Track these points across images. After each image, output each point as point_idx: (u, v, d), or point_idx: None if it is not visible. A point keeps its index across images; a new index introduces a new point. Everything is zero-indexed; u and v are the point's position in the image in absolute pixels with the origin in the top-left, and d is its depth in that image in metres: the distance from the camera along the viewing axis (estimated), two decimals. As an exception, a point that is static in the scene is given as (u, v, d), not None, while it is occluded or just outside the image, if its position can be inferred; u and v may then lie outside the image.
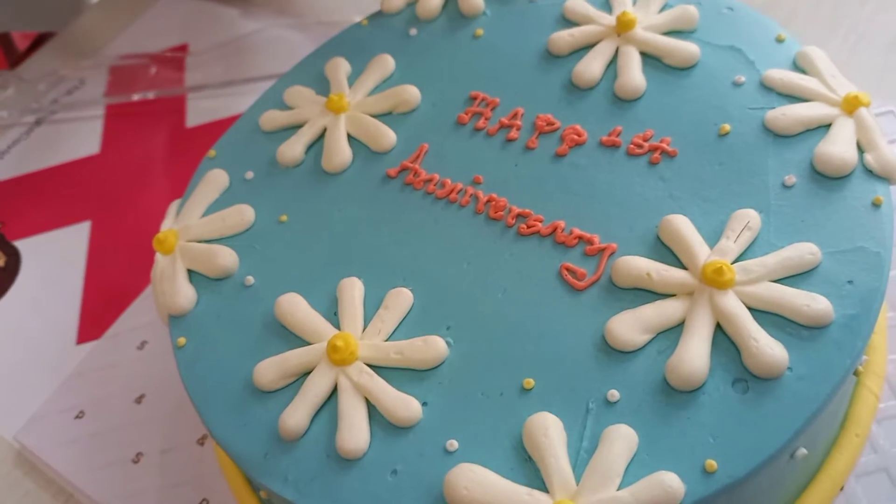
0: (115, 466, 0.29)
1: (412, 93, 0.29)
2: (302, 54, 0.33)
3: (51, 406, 0.32)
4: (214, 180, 0.29)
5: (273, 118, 0.30)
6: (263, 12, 0.47)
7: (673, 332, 0.22)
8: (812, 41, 0.34)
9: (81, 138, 0.43)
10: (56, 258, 0.37)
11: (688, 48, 0.27)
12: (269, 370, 0.23)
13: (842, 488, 0.24)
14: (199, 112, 0.42)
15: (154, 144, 0.41)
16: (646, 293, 0.23)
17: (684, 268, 0.23)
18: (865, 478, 0.24)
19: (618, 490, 0.19)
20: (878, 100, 0.33)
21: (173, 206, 0.29)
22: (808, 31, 0.38)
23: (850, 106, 0.25)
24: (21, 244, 0.39)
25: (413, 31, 0.32)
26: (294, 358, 0.23)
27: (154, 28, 0.47)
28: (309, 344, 0.24)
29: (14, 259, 0.38)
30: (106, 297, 0.35)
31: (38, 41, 0.75)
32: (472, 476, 0.20)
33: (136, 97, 0.43)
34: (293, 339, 0.24)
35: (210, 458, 0.29)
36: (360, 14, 0.34)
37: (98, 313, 0.35)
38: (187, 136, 0.41)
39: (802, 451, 0.21)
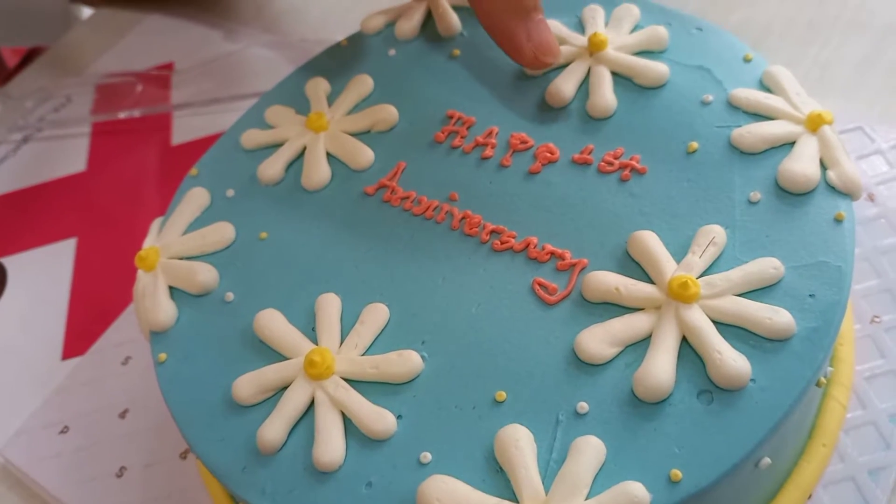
0: (98, 481, 0.30)
1: (390, 112, 0.30)
2: (286, 73, 0.34)
3: (35, 421, 0.32)
4: (196, 198, 0.29)
5: (254, 137, 0.31)
6: (248, 31, 0.47)
7: (640, 345, 0.22)
8: (785, 59, 0.35)
9: (68, 156, 0.43)
10: (42, 275, 0.38)
11: (657, 68, 0.28)
12: (248, 385, 0.24)
13: (809, 497, 0.25)
14: (184, 130, 0.43)
15: (140, 162, 0.42)
16: (615, 307, 0.23)
17: (652, 282, 0.23)
18: (833, 487, 0.25)
19: (585, 500, 0.20)
20: (848, 116, 0.33)
21: (156, 224, 0.29)
22: (781, 49, 0.39)
23: (814, 124, 0.26)
24: (7, 261, 0.39)
25: (392, 52, 0.32)
26: (272, 373, 0.24)
27: (140, 46, 0.48)
28: (287, 359, 0.24)
29: (0, 275, 0.39)
30: (91, 313, 0.36)
31: (27, 59, 0.76)
32: (444, 487, 0.20)
33: (122, 115, 0.44)
34: (271, 353, 0.25)
35: (192, 471, 0.29)
36: (342, 34, 0.34)
37: (83, 329, 0.35)
38: (173, 154, 0.42)
39: (767, 460, 0.21)
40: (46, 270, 0.38)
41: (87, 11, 0.53)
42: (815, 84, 0.37)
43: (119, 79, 0.46)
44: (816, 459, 0.25)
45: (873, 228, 0.30)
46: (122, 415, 0.31)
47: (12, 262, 0.39)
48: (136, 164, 0.42)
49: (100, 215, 0.40)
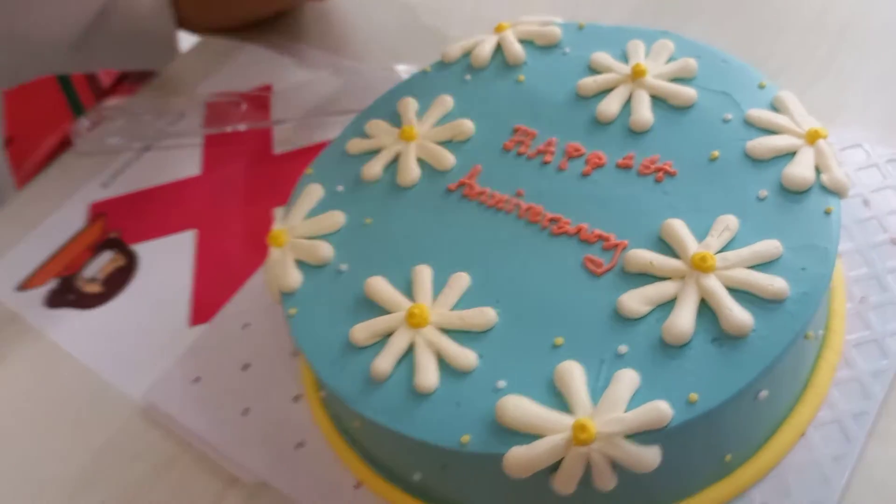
0: (227, 419, 0.37)
1: (467, 125, 0.37)
2: (368, 95, 0.41)
3: (171, 373, 0.39)
4: (313, 192, 0.36)
5: (357, 144, 0.38)
6: (335, 58, 0.55)
7: (668, 305, 0.29)
8: (803, 84, 0.41)
9: (184, 162, 0.51)
10: (169, 259, 0.45)
11: (687, 92, 0.35)
12: (362, 330, 0.31)
13: (803, 434, 0.31)
14: (282, 142, 0.50)
15: (246, 168, 0.49)
16: (649, 277, 0.30)
17: (678, 258, 0.30)
18: (822, 427, 0.31)
19: (623, 413, 0.26)
20: (852, 133, 0.40)
21: (279, 212, 0.36)
22: (800, 76, 0.45)
23: (812, 138, 0.32)
24: (138, 247, 0.47)
25: (468, 77, 0.40)
26: (380, 322, 0.31)
27: (242, 70, 0.56)
28: (391, 313, 0.31)
29: (132, 260, 0.46)
30: (212, 290, 0.43)
31: (120, 80, 0.85)
32: (516, 402, 0.27)
33: (229, 129, 0.52)
34: (378, 309, 0.31)
35: (302, 411, 0.36)
36: (421, 63, 0.42)
37: (206, 302, 0.42)
38: (273, 161, 0.49)
39: (764, 392, 0.28)
40: (172, 256, 0.45)
41: (192, 39, 0.61)
42: (828, 106, 0.43)
43: (225, 98, 0.54)
44: (810, 405, 0.31)
45: (866, 228, 0.36)
46: (244, 368, 0.38)
47: (142, 249, 0.46)
48: (242, 169, 0.49)
49: (214, 211, 0.47)
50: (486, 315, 0.30)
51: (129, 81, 0.83)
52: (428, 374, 0.29)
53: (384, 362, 0.29)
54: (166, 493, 0.36)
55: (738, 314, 0.27)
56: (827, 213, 0.30)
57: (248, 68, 0.56)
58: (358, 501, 0.33)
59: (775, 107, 0.34)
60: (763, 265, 0.29)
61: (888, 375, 0.32)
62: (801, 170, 0.31)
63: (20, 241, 0.49)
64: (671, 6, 0.51)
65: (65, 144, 0.62)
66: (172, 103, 0.55)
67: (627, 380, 0.27)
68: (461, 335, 0.30)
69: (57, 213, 0.50)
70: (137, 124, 0.54)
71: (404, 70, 0.50)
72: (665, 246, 0.30)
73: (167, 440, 0.38)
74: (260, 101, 0.53)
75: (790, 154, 0.32)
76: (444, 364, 0.29)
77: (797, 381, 0.31)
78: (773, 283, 0.28)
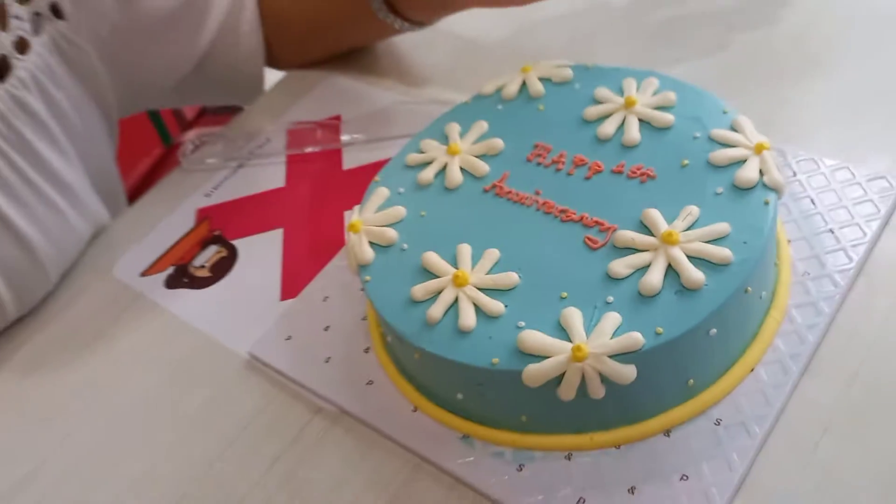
0: (314, 365, 0.48)
1: (499, 143, 0.48)
2: (420, 122, 0.53)
3: (268, 334, 0.51)
4: (381, 193, 0.48)
5: (414, 157, 0.49)
6: (393, 91, 0.67)
7: (644, 269, 0.39)
8: (767, 111, 0.52)
9: (271, 177, 0.63)
10: (262, 251, 0.57)
11: (666, 117, 0.46)
12: (420, 290, 0.42)
13: (752, 370, 0.41)
14: (351, 160, 0.62)
15: (322, 180, 0.61)
16: (631, 250, 0.40)
17: (653, 236, 0.40)
18: (767, 365, 0.41)
19: (609, 339, 0.37)
20: (807, 149, 0.50)
21: (355, 210, 0.48)
22: (767, 101, 0.55)
23: (759, 149, 0.43)
24: (237, 242, 0.59)
25: (499, 107, 0.51)
26: (434, 283, 0.42)
27: (318, 103, 0.68)
28: (440, 277, 0.42)
29: (233, 252, 0.58)
30: (297, 273, 0.54)
31: (202, 113, 0.98)
32: (531, 334, 0.38)
33: (307, 150, 0.64)
34: (431, 276, 0.42)
35: (371, 359, 0.47)
36: (464, 95, 0.53)
37: (293, 282, 0.54)
38: (344, 175, 0.61)
39: (714, 330, 0.38)
40: (264, 248, 0.57)
41: (276, 75, 0.74)
42: (788, 126, 0.53)
43: (303, 125, 0.66)
44: (758, 349, 0.41)
45: (812, 221, 0.46)
46: (326, 329, 0.50)
47: (240, 243, 0.58)
48: (319, 181, 0.61)
49: (297, 214, 0.59)
50: (510, 278, 0.41)
51: (209, 113, 0.97)
52: (468, 318, 0.40)
53: (436, 310, 0.40)
54: (268, 420, 0.47)
55: (693, 273, 0.38)
56: (766, 203, 0.40)
57: (322, 100, 0.68)
58: (415, 421, 0.44)
59: (733, 127, 0.44)
60: (716, 241, 0.39)
61: (820, 328, 0.42)
62: (748, 173, 0.41)
63: (141, 239, 0.61)
64: (663, 50, 0.62)
65: (159, 165, 0.75)
66: (260, 130, 0.67)
67: (612, 319, 0.37)
68: (493, 292, 0.41)
69: (170, 217, 0.62)
70: (232, 147, 0.66)
71: (449, 100, 0.62)
72: (644, 228, 0.41)
73: (266, 382, 0.49)
74: (332, 127, 0.65)
75: (741, 161, 0.42)
76: (479, 311, 0.40)
77: (747, 330, 0.41)
78: (721, 252, 0.38)
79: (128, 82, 0.65)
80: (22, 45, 0.55)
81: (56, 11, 0.58)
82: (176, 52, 0.66)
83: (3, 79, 0.54)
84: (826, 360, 0.41)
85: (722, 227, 0.40)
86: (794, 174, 0.49)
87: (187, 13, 0.64)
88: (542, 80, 0.51)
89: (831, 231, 0.46)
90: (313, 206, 0.59)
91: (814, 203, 0.47)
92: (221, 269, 0.57)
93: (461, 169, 0.48)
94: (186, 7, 0.64)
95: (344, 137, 0.64)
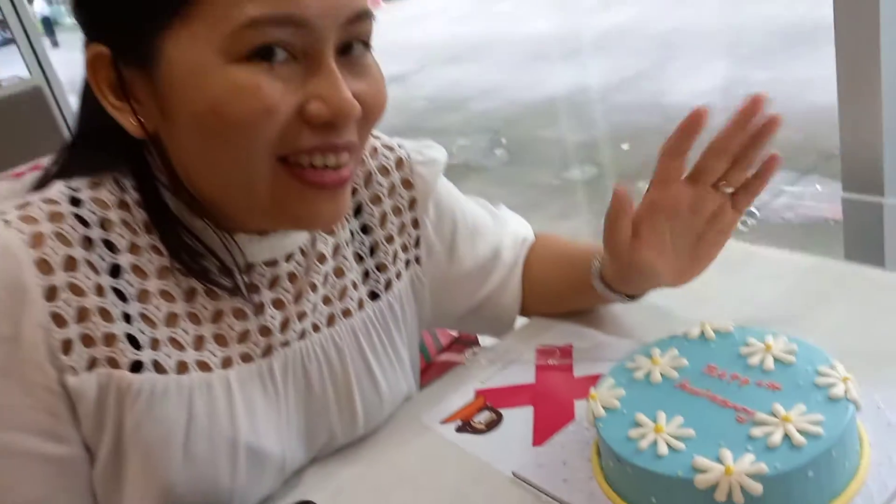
0: (552, 480, 0.78)
1: (684, 361, 0.80)
2: (624, 348, 0.85)
3: (526, 462, 0.81)
4: (608, 381, 0.80)
5: (630, 364, 0.82)
6: (602, 334, 1.01)
7: (770, 434, 0.68)
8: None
9: (523, 375, 0.96)
10: (518, 418, 0.89)
11: (790, 358, 0.76)
12: (634, 432, 0.72)
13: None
14: (579, 371, 0.95)
15: (559, 381, 0.94)
16: (764, 424, 0.69)
17: (776, 416, 0.69)
18: (848, 509, 0.67)
19: (746, 468, 0.65)
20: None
21: (591, 390, 0.80)
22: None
23: (845, 380, 0.72)
24: (502, 411, 0.91)
25: (685, 342, 0.83)
26: (641, 430, 0.72)
27: (556, 337, 1.03)
28: (645, 427, 0.72)
29: (499, 416, 0.90)
30: (542, 432, 0.86)
31: (453, 343, 1.37)
32: (702, 459, 0.67)
33: (550, 362, 0.97)
34: (639, 426, 0.73)
35: (594, 485, 0.76)
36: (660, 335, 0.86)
37: (539, 437, 0.85)
38: (574, 380, 0.93)
39: (811, 473, 0.65)
40: (520, 417, 0.89)
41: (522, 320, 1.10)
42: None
43: (546, 348, 1.00)
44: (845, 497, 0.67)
45: (891, 431, 0.73)
46: (563, 464, 0.80)
47: (505, 412, 0.91)
48: (557, 382, 0.94)
49: (543, 400, 0.91)
50: (688, 432, 0.70)
51: (461, 340, 1.35)
52: (662, 449, 0.69)
53: (643, 443, 0.70)
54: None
55: (798, 437, 0.66)
56: (847, 408, 0.69)
57: (557, 338, 1.03)
58: (622, 515, 0.72)
59: (832, 366, 0.74)
60: (813, 423, 0.68)
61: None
62: (837, 391, 0.70)
63: (438, 404, 0.95)
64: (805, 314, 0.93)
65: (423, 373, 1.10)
66: (517, 350, 1.02)
67: (749, 457, 0.66)
68: (677, 439, 0.70)
69: (456, 394, 0.96)
70: (497, 356, 1.02)
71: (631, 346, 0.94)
72: (772, 414, 0.70)
73: (528, 494, 0.79)
74: (566, 350, 0.99)
75: (834, 385, 0.72)
76: (669, 447, 0.69)
77: (836, 481, 0.68)
78: (815, 428, 0.67)
79: (437, 310, 1.03)
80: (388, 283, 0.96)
81: (417, 260, 0.98)
82: (470, 291, 1.04)
83: (387, 291, 0.94)
84: (888, 511, 0.67)
85: (817, 416, 0.68)
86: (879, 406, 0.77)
87: (491, 265, 1.03)
88: (714, 331, 0.83)
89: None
90: (553, 395, 0.92)
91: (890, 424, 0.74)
92: (492, 425, 0.89)
93: (660, 374, 0.79)
94: (492, 260, 1.03)
95: (575, 357, 0.97)
